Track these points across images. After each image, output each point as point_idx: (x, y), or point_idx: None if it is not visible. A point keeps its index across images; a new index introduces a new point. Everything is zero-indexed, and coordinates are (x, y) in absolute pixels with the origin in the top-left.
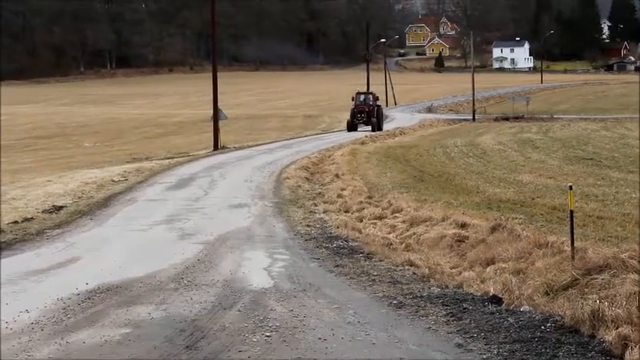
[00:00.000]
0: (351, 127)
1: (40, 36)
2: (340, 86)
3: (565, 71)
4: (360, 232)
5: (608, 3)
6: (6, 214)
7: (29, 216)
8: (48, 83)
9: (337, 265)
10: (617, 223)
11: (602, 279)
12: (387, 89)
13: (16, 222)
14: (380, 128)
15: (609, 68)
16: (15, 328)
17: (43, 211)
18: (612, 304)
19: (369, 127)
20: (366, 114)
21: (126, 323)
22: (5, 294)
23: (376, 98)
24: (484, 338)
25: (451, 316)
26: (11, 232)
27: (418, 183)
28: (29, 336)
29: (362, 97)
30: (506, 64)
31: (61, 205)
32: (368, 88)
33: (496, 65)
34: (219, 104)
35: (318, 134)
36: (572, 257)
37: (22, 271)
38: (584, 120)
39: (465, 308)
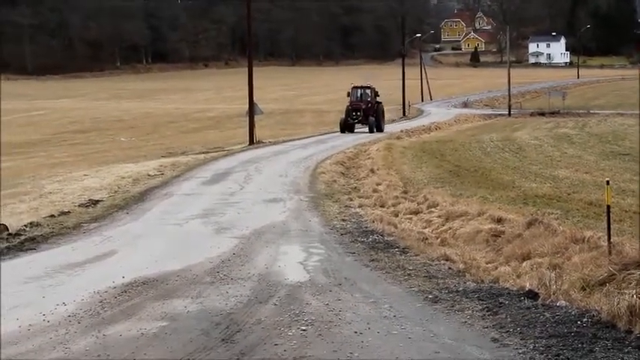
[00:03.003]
0: (345, 127)
1: (77, 31)
2: (375, 81)
3: (601, 66)
4: (396, 227)
5: None
6: (43, 208)
7: (66, 210)
8: (84, 78)
9: (373, 260)
10: None
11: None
12: (423, 84)
13: (53, 216)
14: (380, 129)
15: None
16: (52, 320)
17: (79, 205)
18: None
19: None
20: (363, 112)
21: (162, 316)
22: (42, 287)
23: (376, 94)
24: (520, 333)
25: (487, 311)
26: (48, 225)
27: (454, 178)
28: (66, 328)
29: (359, 93)
30: (542, 59)
31: (97, 199)
32: (404, 84)
33: (532, 60)
34: (254, 99)
35: None
36: (609, 252)
37: (59, 264)
38: (620, 115)
39: (500, 303)
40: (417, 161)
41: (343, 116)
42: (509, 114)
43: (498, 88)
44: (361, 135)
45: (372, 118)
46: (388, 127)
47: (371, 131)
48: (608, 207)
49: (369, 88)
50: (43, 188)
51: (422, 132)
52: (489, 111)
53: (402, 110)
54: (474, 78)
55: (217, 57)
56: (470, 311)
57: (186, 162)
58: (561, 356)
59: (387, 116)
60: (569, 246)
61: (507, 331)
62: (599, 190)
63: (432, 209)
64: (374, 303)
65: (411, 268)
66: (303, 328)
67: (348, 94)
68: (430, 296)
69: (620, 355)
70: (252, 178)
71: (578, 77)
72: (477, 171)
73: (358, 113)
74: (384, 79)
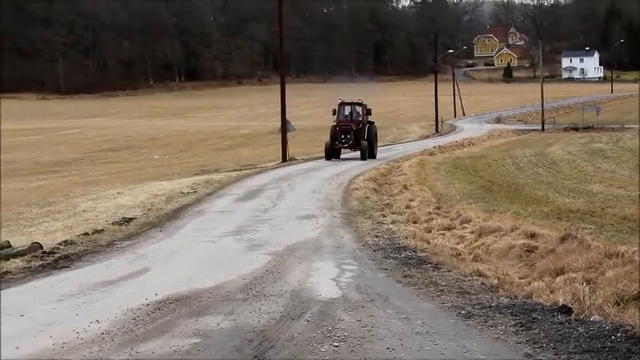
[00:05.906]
0: (331, 152)
1: (111, 50)
2: (408, 97)
3: (635, 81)
4: (429, 243)
5: None
6: (77, 226)
7: (99, 228)
8: (118, 97)
9: (405, 276)
10: None
11: None
12: (456, 100)
13: (86, 234)
14: (373, 155)
15: None
16: (86, 338)
17: (113, 223)
18: None
19: (357, 153)
20: (353, 134)
21: (195, 333)
22: (76, 305)
23: (368, 112)
24: (553, 348)
25: (520, 326)
26: (82, 243)
27: (487, 193)
28: (100, 346)
29: (347, 110)
30: (576, 74)
31: (130, 216)
32: (436, 100)
33: (565, 75)
34: (287, 116)
35: (386, 145)
36: None
37: (93, 282)
38: None
39: (534, 318)
40: (450, 177)
41: (328, 139)
42: (543, 129)
43: (531, 103)
44: (359, 161)
45: (364, 142)
46: (421, 144)
47: (363, 158)
48: None
49: (359, 104)
50: (76, 206)
51: (455, 148)
52: (522, 126)
53: (434, 126)
54: (507, 93)
55: (250, 74)
56: (503, 327)
57: (219, 179)
58: None
59: (420, 132)
60: (603, 261)
61: (541, 347)
62: (634, 205)
63: (465, 225)
64: (406, 319)
65: (443, 284)
66: (336, 344)
67: (334, 112)
68: (463, 312)
69: None
70: (284, 194)
71: (612, 92)
72: (510, 186)
73: (348, 136)
74: (416, 95)
